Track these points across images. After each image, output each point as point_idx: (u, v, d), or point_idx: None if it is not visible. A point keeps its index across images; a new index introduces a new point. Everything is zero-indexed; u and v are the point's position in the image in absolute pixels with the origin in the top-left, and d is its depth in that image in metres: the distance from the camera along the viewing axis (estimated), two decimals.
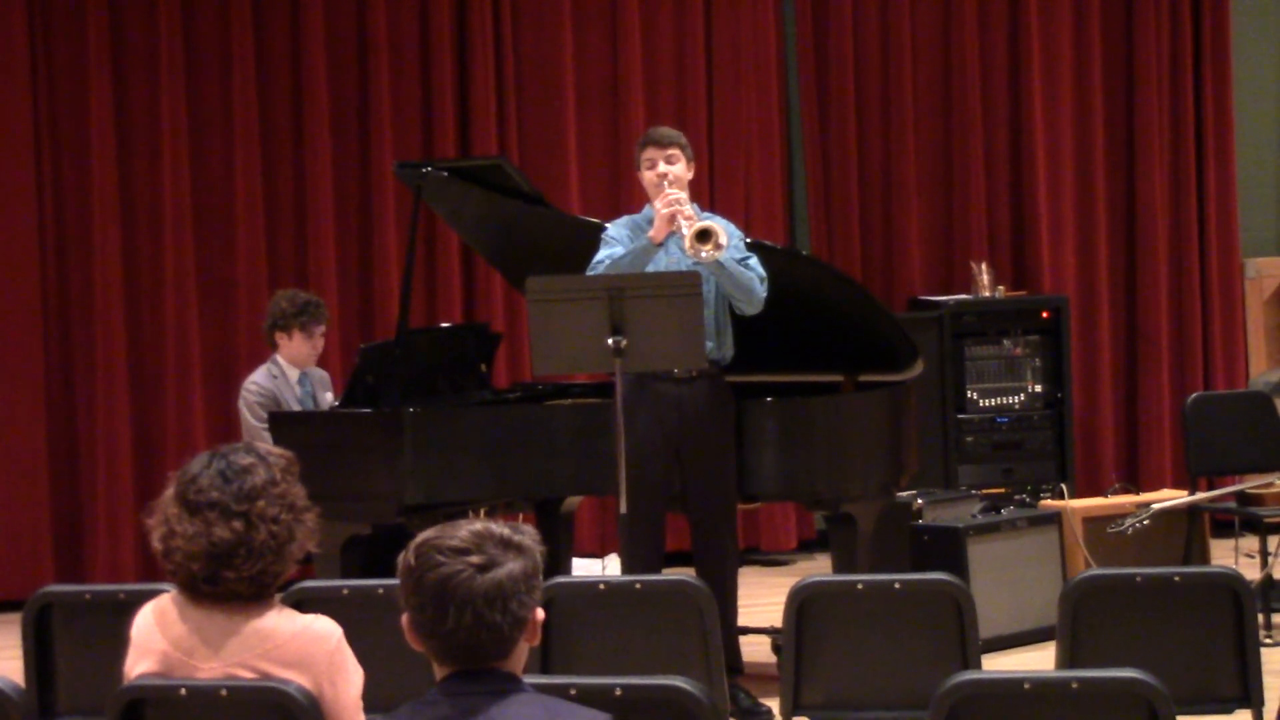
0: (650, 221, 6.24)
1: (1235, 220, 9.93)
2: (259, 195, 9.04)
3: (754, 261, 6.29)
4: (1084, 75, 9.82)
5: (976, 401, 9.27)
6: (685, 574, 5.49)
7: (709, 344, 6.29)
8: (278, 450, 3.53)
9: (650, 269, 6.21)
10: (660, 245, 6.22)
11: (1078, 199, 9.84)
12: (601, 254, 6.29)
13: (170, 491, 3.47)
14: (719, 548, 6.44)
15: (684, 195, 6.22)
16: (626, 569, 6.21)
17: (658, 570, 6.23)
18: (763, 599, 7.61)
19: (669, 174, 6.29)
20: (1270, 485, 7.90)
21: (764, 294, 6.26)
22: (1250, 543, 8.13)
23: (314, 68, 9.07)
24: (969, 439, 9.21)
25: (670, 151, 6.34)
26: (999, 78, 9.77)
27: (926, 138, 9.73)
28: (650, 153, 6.36)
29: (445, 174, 7.02)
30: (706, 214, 6.43)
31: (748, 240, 6.52)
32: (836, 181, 9.66)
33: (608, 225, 6.52)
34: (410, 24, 9.23)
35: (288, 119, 9.11)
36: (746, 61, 9.52)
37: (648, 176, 6.35)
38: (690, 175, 6.40)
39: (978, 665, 4.60)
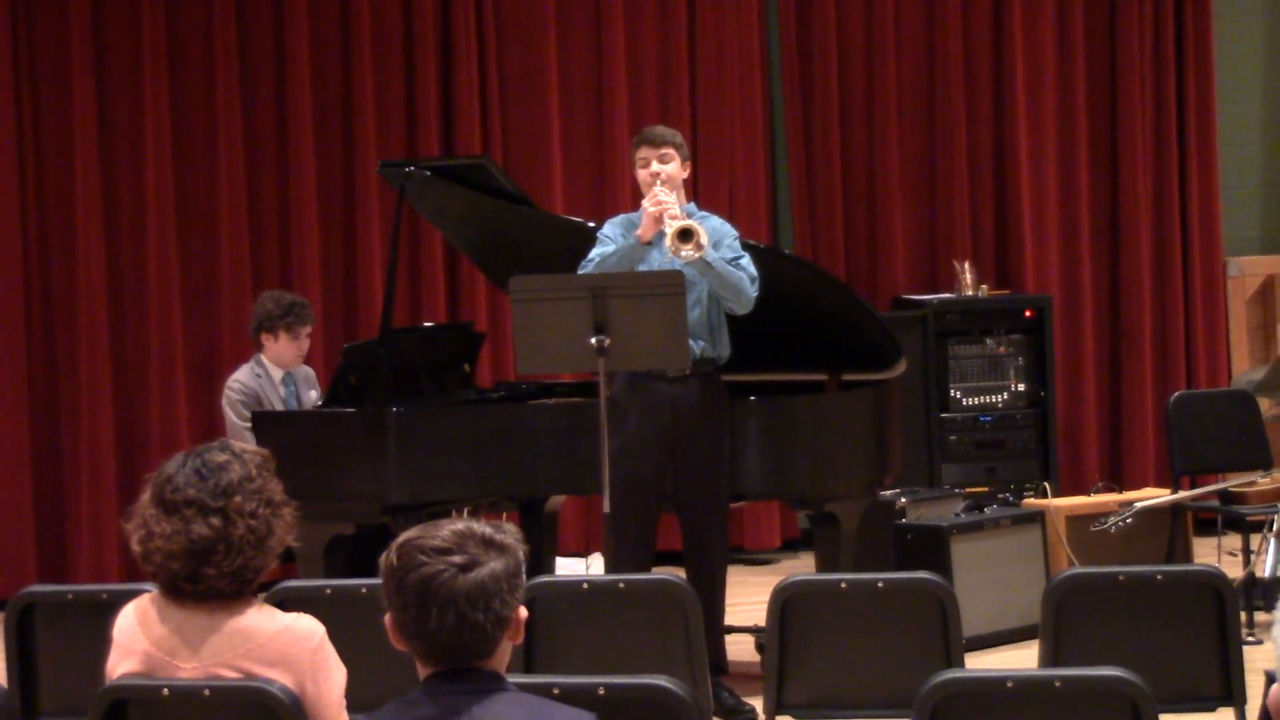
0: None
1: (1218, 219, 9.93)
2: (242, 194, 9.02)
3: (746, 261, 6.28)
4: (1067, 74, 9.82)
5: (960, 400, 9.28)
6: (670, 573, 5.48)
7: (703, 343, 6.30)
8: (252, 448, 3.54)
9: (642, 268, 6.21)
10: (651, 244, 6.22)
11: (1061, 198, 9.83)
12: (594, 252, 6.30)
13: (147, 494, 3.47)
14: (709, 547, 6.43)
15: (673, 195, 6.22)
16: (613, 567, 6.18)
17: (647, 569, 6.22)
18: (746, 598, 7.60)
19: (661, 173, 6.29)
20: (1253, 483, 7.91)
21: (754, 294, 6.25)
22: (1233, 541, 8.13)
23: (297, 67, 9.05)
24: (952, 438, 9.21)
25: (664, 150, 6.34)
26: (982, 77, 9.77)
27: (910, 137, 9.73)
28: (644, 152, 6.36)
29: (429, 173, 7.01)
30: (702, 214, 6.43)
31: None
32: (820, 181, 9.65)
33: (593, 224, 6.53)
34: (394, 23, 9.22)
35: (271, 118, 9.10)
36: (730, 62, 9.51)
37: (641, 175, 6.36)
38: (685, 174, 6.41)
39: (961, 664, 4.61)
